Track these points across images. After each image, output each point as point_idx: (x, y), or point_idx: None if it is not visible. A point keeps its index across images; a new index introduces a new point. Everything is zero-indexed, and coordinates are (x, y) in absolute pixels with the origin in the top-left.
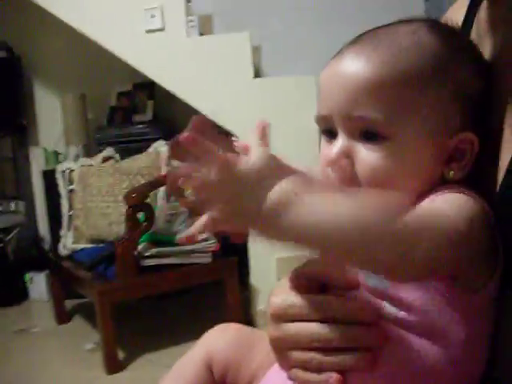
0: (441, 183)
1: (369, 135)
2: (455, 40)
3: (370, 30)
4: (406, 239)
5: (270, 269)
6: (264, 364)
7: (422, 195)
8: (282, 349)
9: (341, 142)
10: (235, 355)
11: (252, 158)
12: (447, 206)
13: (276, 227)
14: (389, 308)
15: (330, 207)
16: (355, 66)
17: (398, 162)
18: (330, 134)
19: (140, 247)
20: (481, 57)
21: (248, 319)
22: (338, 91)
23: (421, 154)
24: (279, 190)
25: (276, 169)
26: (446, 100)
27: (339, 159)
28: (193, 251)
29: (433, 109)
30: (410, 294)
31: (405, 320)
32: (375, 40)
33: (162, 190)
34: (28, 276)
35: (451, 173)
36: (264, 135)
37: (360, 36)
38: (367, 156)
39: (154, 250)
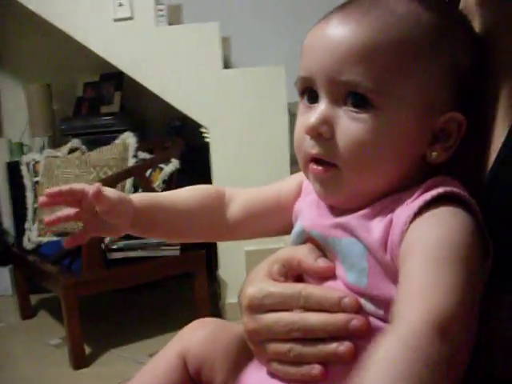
0: (421, 167)
1: (355, 101)
2: (450, 12)
3: None
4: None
5: (239, 262)
6: (242, 358)
7: (398, 187)
8: (259, 341)
9: (322, 107)
10: (210, 350)
11: None
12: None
13: None
14: (368, 305)
15: None
16: (347, 29)
17: (382, 137)
18: (309, 98)
19: (107, 240)
20: (473, 31)
21: (217, 313)
22: (323, 54)
23: (407, 131)
24: None
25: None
26: (439, 75)
27: (319, 125)
28: (161, 244)
29: (424, 83)
30: (389, 291)
31: (384, 317)
32: (367, 4)
33: (129, 181)
34: None
35: (434, 154)
36: None
37: (349, 0)
38: (350, 125)
39: (121, 243)
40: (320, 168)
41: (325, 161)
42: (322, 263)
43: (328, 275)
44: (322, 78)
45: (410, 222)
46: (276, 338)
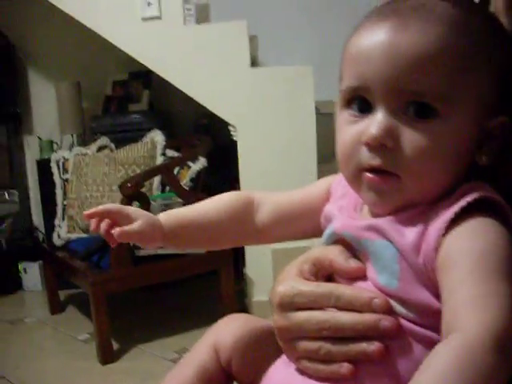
0: (467, 172)
1: (417, 110)
2: (492, 17)
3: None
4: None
5: (266, 260)
6: (272, 353)
7: (444, 194)
8: (289, 339)
9: (382, 117)
10: (241, 342)
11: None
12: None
13: None
14: (398, 307)
15: None
16: (408, 37)
17: (446, 145)
18: (360, 107)
19: None
20: (508, 35)
21: (243, 310)
22: (385, 62)
23: (466, 136)
24: None
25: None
26: (490, 80)
27: (383, 136)
28: None
29: (480, 88)
30: (419, 294)
31: (414, 319)
32: (421, 11)
33: (157, 179)
34: (22, 266)
35: (484, 158)
36: None
37: (390, 5)
38: (415, 135)
39: None
40: (379, 178)
41: (384, 171)
42: (353, 264)
43: (358, 276)
44: (382, 87)
45: (447, 227)
46: (306, 336)
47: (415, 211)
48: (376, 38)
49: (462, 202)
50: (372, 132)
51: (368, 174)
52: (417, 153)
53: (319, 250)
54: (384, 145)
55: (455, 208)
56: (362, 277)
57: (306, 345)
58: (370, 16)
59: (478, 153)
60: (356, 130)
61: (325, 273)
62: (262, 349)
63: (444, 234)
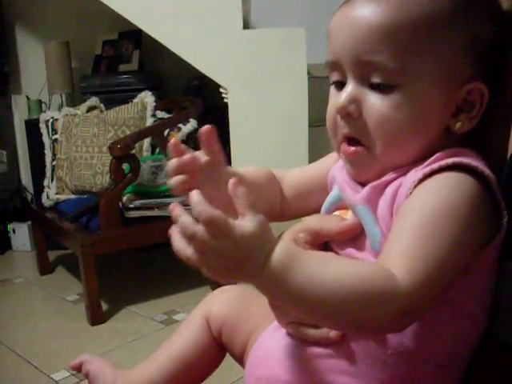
0: (446, 140)
1: (377, 84)
2: None
3: None
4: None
5: None
6: (261, 321)
7: (421, 159)
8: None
9: (350, 88)
10: (232, 311)
11: (247, 222)
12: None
13: (274, 288)
14: None
15: (324, 276)
16: (366, 10)
17: (407, 112)
18: (340, 84)
19: (124, 199)
20: (497, 4)
21: None
22: (347, 36)
23: (430, 105)
24: (280, 256)
25: (270, 233)
26: (459, 48)
27: (347, 105)
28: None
29: (445, 57)
30: None
31: None
32: None
33: (147, 141)
34: (10, 226)
35: (458, 124)
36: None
37: None
38: (376, 103)
39: (138, 202)
40: (351, 149)
41: (356, 140)
42: (345, 223)
43: (353, 234)
44: (348, 60)
45: (415, 187)
46: None
47: (395, 174)
48: (344, 16)
49: (434, 165)
50: (339, 101)
51: (343, 145)
52: (377, 121)
53: (316, 219)
54: (350, 114)
55: (426, 169)
56: (358, 234)
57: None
58: None
59: (452, 120)
60: (334, 102)
61: (320, 241)
62: (252, 319)
63: (411, 192)
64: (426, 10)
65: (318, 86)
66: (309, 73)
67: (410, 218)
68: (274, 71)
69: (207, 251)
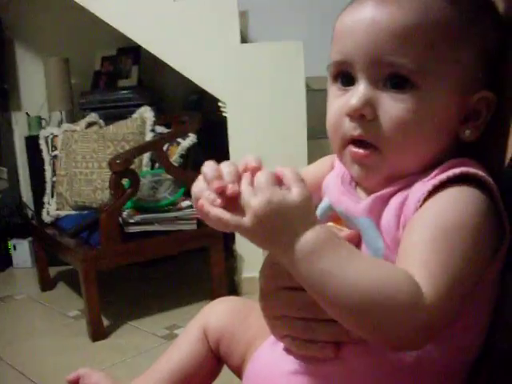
0: (450, 148)
1: (396, 82)
2: None
3: None
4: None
5: None
6: (259, 333)
7: (427, 168)
8: (275, 317)
9: (363, 89)
10: (229, 325)
11: (294, 192)
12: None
13: (301, 265)
14: None
15: (355, 268)
16: (387, 11)
17: (424, 116)
18: (344, 81)
19: (124, 214)
20: (499, 14)
21: (233, 287)
22: (364, 36)
23: (446, 110)
24: (316, 234)
25: (312, 210)
26: (475, 55)
27: (362, 107)
28: (177, 218)
29: (463, 63)
30: None
31: None
32: None
33: (146, 156)
34: (11, 243)
35: (467, 132)
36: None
37: None
38: (393, 106)
39: (138, 217)
40: (361, 151)
41: (366, 143)
42: (343, 232)
43: (353, 243)
44: (362, 60)
45: (424, 199)
46: (290, 316)
47: (400, 185)
48: (358, 15)
49: (442, 176)
50: (352, 103)
51: (352, 148)
52: (394, 124)
53: None
54: (363, 115)
55: (435, 181)
56: (357, 243)
57: (290, 324)
58: None
59: (461, 128)
60: (341, 103)
61: None
62: (250, 331)
63: (421, 205)
64: (451, 15)
65: (317, 99)
66: (307, 86)
67: (426, 233)
68: (272, 85)
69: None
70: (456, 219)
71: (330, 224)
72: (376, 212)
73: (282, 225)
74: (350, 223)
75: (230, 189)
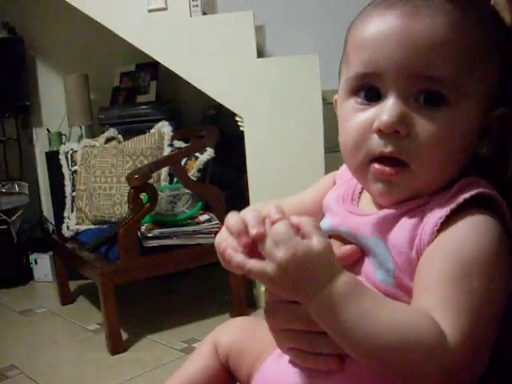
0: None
1: (429, 98)
2: (494, 9)
3: None
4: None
5: None
6: (266, 347)
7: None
8: (280, 330)
9: (395, 104)
10: (237, 340)
11: (315, 242)
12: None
13: (325, 314)
14: None
15: (378, 316)
16: (425, 23)
17: (456, 134)
18: (368, 95)
19: (143, 228)
20: (506, 27)
21: (251, 300)
22: (398, 47)
23: (473, 127)
24: (340, 285)
25: (334, 258)
26: (495, 73)
27: (397, 123)
28: (196, 232)
29: (490, 79)
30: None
31: None
32: None
33: (164, 170)
34: (32, 257)
35: (485, 149)
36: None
37: None
38: (428, 123)
39: (156, 231)
40: (388, 168)
41: (394, 160)
42: (344, 248)
43: (355, 259)
44: (395, 72)
45: (442, 223)
46: (295, 329)
47: (413, 204)
48: (387, 25)
49: (459, 199)
50: (385, 118)
51: (377, 166)
52: (429, 141)
53: None
54: (397, 132)
55: (452, 205)
56: (359, 259)
57: (296, 336)
58: (375, 3)
59: (479, 144)
60: (365, 118)
61: None
62: (258, 345)
63: (439, 229)
64: (480, 34)
65: (334, 113)
66: (324, 99)
67: (446, 270)
68: (288, 98)
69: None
70: (475, 254)
71: (331, 240)
72: (384, 230)
73: (306, 275)
74: (358, 242)
75: (256, 233)
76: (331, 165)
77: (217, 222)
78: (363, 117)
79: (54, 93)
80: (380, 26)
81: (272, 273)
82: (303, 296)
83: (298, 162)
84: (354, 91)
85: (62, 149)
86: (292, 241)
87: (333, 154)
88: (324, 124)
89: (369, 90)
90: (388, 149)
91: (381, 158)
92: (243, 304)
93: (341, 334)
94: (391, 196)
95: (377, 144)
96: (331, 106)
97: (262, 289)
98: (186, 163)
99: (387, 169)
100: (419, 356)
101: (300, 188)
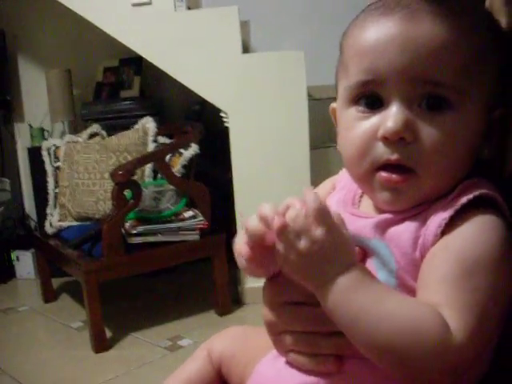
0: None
1: (432, 103)
2: (489, 12)
3: None
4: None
5: None
6: (257, 354)
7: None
8: (278, 332)
9: (399, 111)
10: (229, 347)
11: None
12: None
13: (338, 299)
14: None
15: (390, 306)
16: (424, 27)
17: (461, 138)
18: (368, 103)
19: (127, 225)
20: (504, 32)
21: (236, 297)
22: (399, 52)
23: (476, 129)
24: (355, 271)
25: (352, 248)
26: (494, 75)
27: (403, 130)
28: (180, 229)
29: (490, 81)
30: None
31: None
32: (427, 3)
33: (148, 166)
34: (14, 254)
35: (486, 151)
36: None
37: None
38: (433, 128)
39: (140, 228)
40: (395, 176)
41: (400, 167)
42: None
43: (357, 259)
44: (397, 78)
45: (446, 224)
46: (294, 330)
47: (417, 210)
48: (387, 31)
49: (463, 200)
50: (390, 126)
51: (383, 174)
52: (435, 146)
53: None
54: (403, 139)
55: (456, 205)
56: (361, 260)
57: (294, 338)
58: (371, 10)
59: (481, 146)
60: (369, 126)
61: None
62: (249, 353)
63: (443, 230)
64: (480, 38)
65: (319, 109)
66: (309, 95)
67: (450, 269)
68: (273, 94)
69: (295, 244)
70: (480, 252)
71: None
72: (387, 232)
73: (326, 259)
74: (361, 243)
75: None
76: (316, 161)
77: (201, 218)
78: (367, 125)
79: (36, 88)
80: (379, 32)
81: (295, 259)
82: (319, 280)
83: (283, 157)
84: (355, 99)
85: (45, 145)
86: (310, 229)
87: (318, 150)
88: (309, 120)
89: (370, 97)
90: (394, 156)
91: (386, 166)
92: (228, 301)
93: (353, 322)
94: (398, 204)
95: (382, 152)
96: (316, 102)
97: (247, 285)
98: (170, 159)
99: (394, 176)
100: (425, 352)
101: (286, 184)
